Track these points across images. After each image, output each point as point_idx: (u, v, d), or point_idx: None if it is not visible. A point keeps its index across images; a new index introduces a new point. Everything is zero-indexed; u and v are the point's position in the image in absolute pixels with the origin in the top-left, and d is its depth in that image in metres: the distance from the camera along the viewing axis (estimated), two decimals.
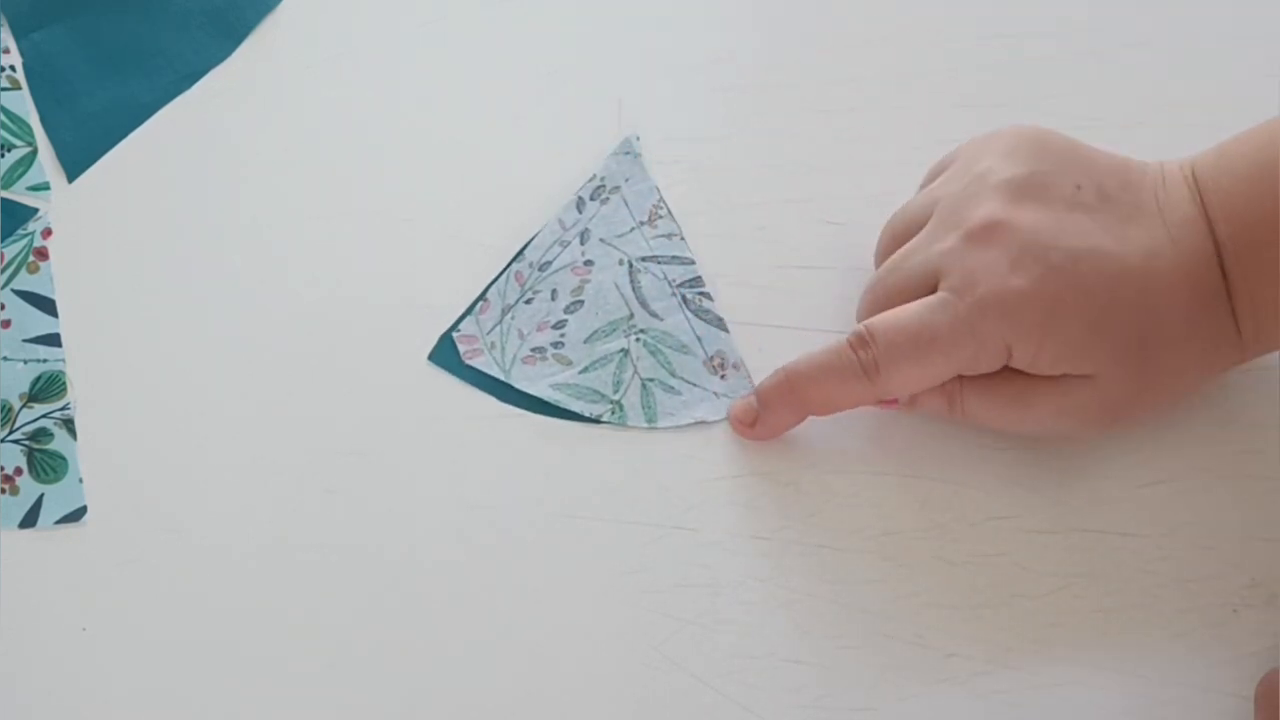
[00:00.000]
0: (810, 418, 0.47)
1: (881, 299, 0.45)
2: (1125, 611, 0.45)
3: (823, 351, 0.45)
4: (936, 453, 0.47)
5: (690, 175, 0.52)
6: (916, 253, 0.45)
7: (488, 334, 0.50)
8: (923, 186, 0.48)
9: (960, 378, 0.44)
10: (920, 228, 0.45)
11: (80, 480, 0.48)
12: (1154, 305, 0.43)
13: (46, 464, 0.49)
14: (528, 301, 0.51)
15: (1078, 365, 0.43)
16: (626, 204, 0.52)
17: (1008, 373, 0.44)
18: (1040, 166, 0.44)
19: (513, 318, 0.50)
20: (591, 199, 0.52)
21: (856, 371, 0.44)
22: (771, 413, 0.46)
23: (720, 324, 0.50)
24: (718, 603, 0.45)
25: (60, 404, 0.50)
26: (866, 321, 0.44)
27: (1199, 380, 0.45)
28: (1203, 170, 0.44)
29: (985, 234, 0.43)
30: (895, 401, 0.46)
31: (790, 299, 0.50)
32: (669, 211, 0.52)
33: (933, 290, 0.44)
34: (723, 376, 0.49)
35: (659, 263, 0.51)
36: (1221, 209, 0.43)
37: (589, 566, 0.46)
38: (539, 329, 0.50)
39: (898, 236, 0.46)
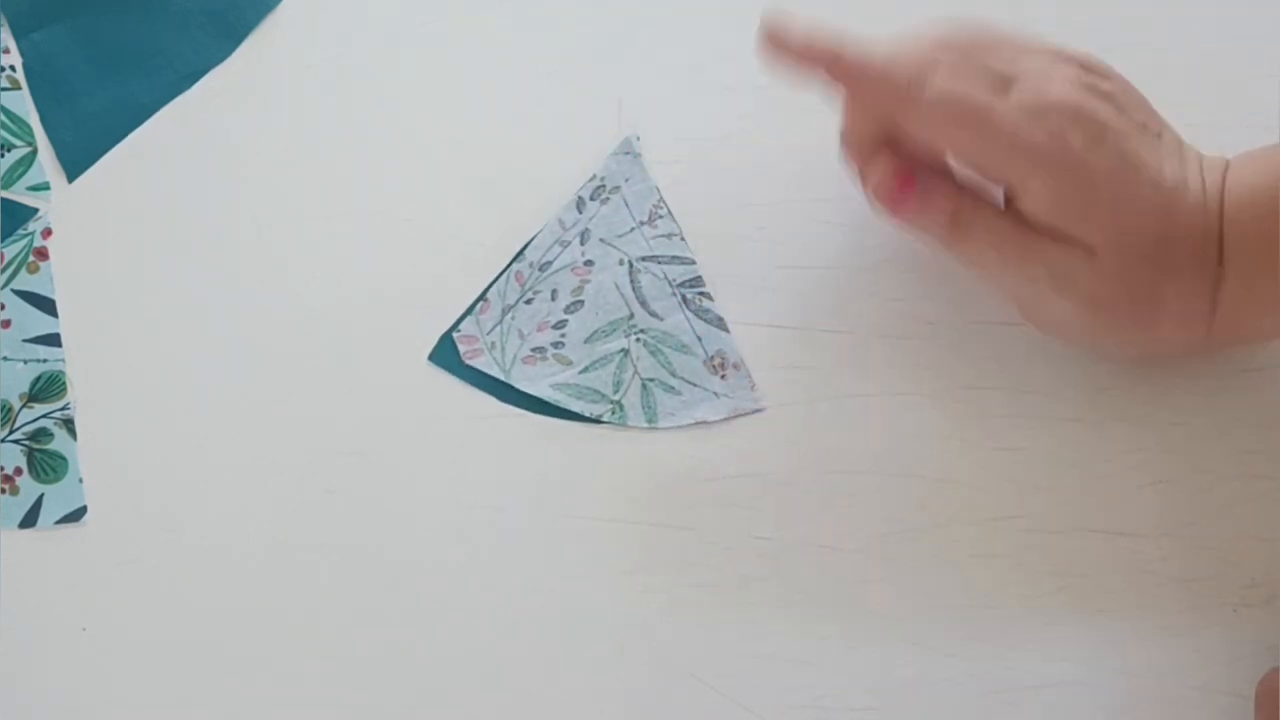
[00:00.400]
0: (813, 417, 0.47)
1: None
2: (1125, 611, 0.45)
3: (893, 53, 0.44)
4: (936, 453, 0.47)
5: (690, 175, 0.52)
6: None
7: (488, 334, 0.50)
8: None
9: (973, 201, 0.44)
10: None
11: (80, 480, 0.48)
12: (1171, 231, 0.42)
13: (46, 464, 0.49)
14: (528, 301, 0.51)
15: (1084, 229, 0.42)
16: (626, 204, 0.52)
17: (1015, 220, 0.43)
18: (1115, 85, 0.44)
19: (513, 318, 0.50)
20: (591, 199, 0.52)
21: (900, 86, 0.44)
22: (790, 36, 0.46)
23: (720, 324, 0.50)
24: (718, 603, 0.45)
25: (60, 404, 0.50)
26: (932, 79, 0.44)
27: (1170, 328, 0.44)
28: (1230, 177, 0.44)
29: (1076, 72, 0.43)
30: (909, 186, 0.45)
31: (790, 299, 0.50)
32: (669, 211, 0.52)
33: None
34: (723, 376, 0.49)
35: (659, 263, 0.51)
36: (1229, 209, 0.43)
37: (589, 566, 0.46)
38: (539, 329, 0.50)
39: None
